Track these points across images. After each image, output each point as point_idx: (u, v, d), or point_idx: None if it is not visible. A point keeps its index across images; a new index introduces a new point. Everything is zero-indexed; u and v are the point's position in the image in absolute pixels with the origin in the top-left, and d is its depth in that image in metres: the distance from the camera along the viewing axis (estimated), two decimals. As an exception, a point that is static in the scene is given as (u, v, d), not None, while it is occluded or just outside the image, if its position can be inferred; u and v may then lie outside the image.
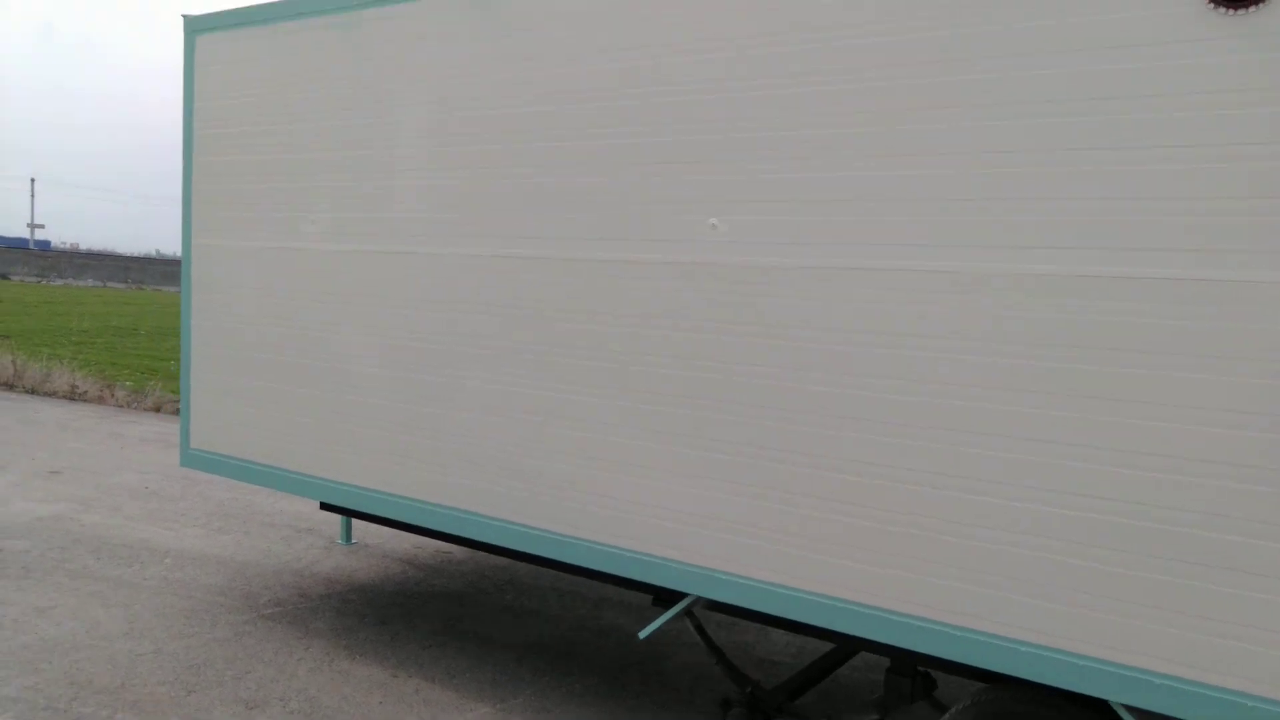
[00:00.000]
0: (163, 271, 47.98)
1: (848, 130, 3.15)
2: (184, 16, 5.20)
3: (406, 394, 4.31)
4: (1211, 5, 2.56)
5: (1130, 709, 2.80)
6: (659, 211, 3.56)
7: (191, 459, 5.31)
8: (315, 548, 6.58)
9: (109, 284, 46.10)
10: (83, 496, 7.54)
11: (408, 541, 6.77)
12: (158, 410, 12.46)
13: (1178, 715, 2.68)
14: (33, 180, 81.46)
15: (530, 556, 4.10)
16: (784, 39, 3.26)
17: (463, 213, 4.10)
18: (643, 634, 3.81)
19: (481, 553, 5.16)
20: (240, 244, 5.00)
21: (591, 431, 3.74)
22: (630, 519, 3.66)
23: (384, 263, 4.37)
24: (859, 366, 3.14)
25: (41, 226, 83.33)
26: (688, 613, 3.83)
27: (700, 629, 3.99)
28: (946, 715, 3.24)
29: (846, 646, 3.83)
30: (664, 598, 3.95)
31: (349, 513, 4.98)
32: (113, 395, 12.76)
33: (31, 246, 71.22)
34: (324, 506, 5.20)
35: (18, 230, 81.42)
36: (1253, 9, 2.52)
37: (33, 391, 13.03)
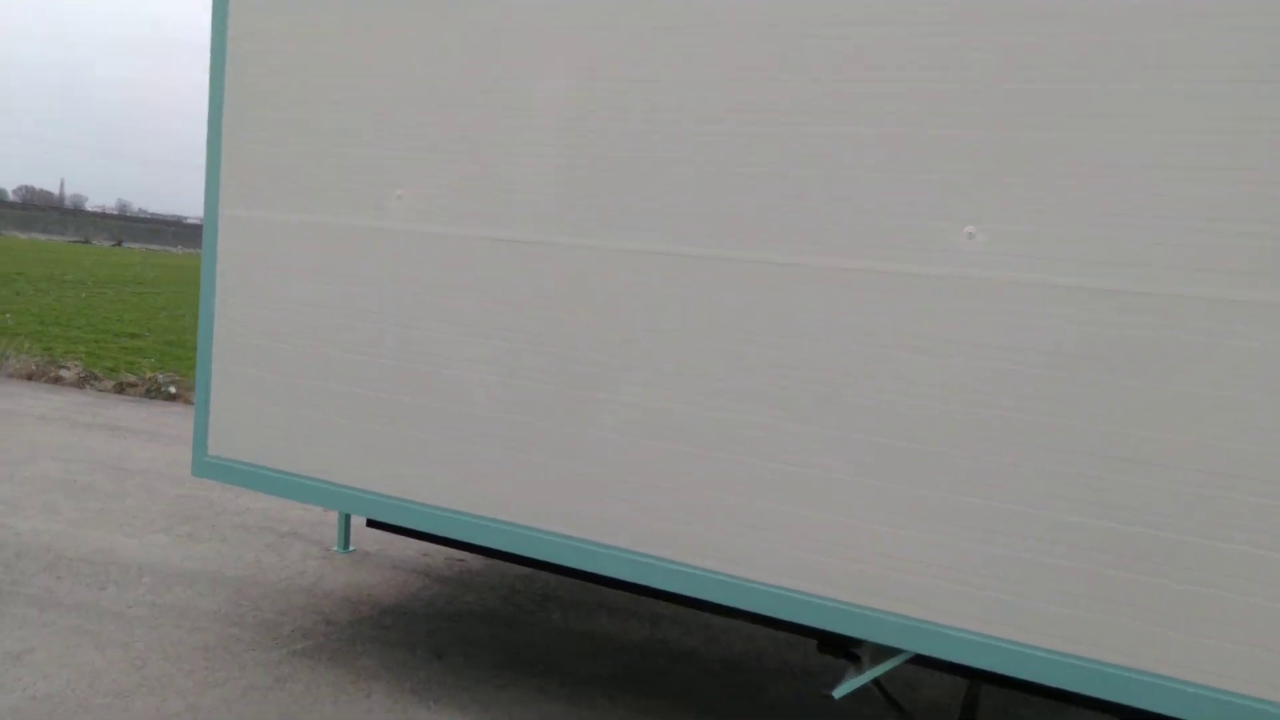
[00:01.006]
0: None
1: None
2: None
3: (530, 407, 3.67)
4: None
5: None
6: (899, 213, 3.07)
7: (208, 468, 4.45)
8: (311, 557, 5.77)
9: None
10: (1, 495, 6.38)
11: (410, 548, 6.06)
12: (29, 379, 10.94)
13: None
14: None
15: (685, 599, 3.60)
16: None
17: (623, 199, 3.47)
18: (839, 693, 3.38)
19: (499, 561, 4.52)
20: (289, 218, 4.15)
21: (793, 464, 3.24)
22: (836, 563, 3.21)
23: (505, 252, 3.68)
24: (1181, 405, 2.78)
25: None
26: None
27: (879, 683, 3.60)
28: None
29: None
30: (834, 643, 3.55)
31: (428, 538, 4.26)
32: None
33: None
34: (375, 524, 4.48)
35: None
36: None
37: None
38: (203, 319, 4.39)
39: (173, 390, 10.78)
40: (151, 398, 10.63)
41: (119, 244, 57.62)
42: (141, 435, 8.56)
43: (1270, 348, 2.68)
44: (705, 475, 3.39)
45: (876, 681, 3.68)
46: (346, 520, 5.91)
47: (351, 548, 5.95)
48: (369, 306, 3.98)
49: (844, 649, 3.58)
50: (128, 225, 73.34)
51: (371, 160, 3.95)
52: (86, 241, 55.83)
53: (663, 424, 3.45)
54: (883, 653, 3.39)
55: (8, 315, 15.52)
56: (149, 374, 11.43)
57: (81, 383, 10.95)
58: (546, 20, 3.58)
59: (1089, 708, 3.13)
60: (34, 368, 11.23)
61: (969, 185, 2.98)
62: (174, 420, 9.33)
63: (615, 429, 3.52)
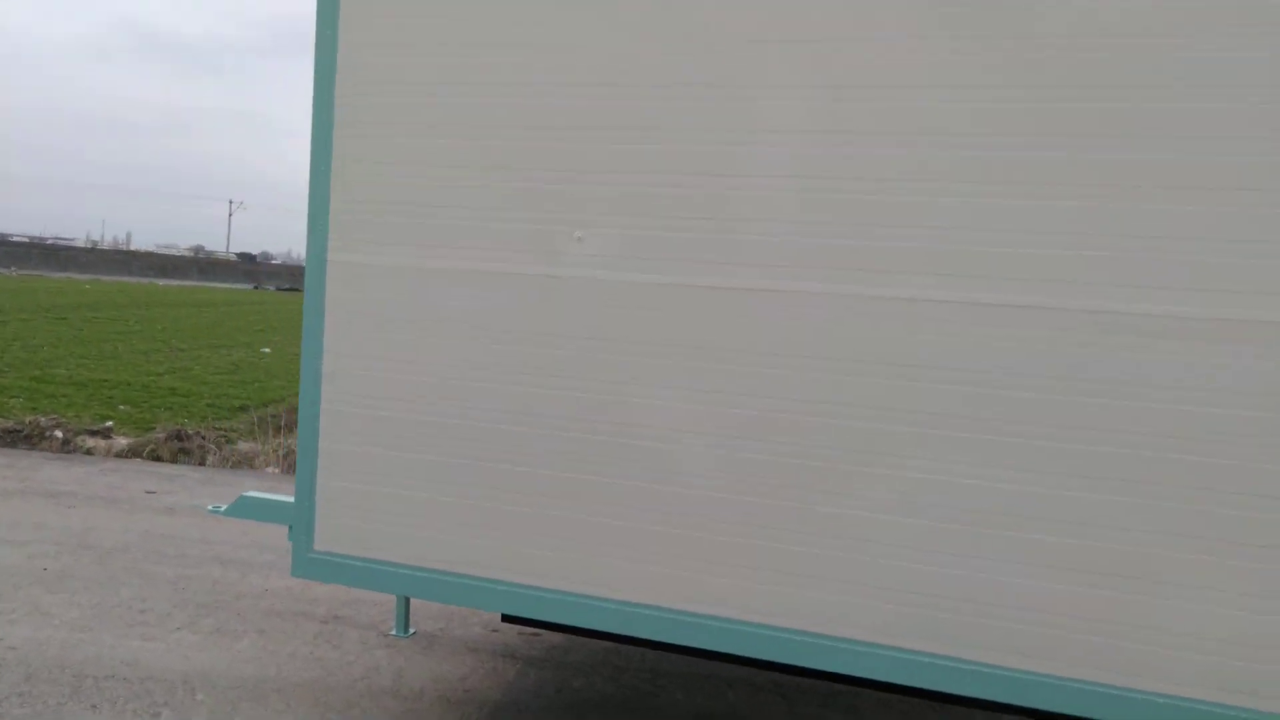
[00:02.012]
0: None
1: None
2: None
3: (768, 486, 3.11)
4: None
5: None
6: None
7: (314, 566, 3.67)
8: (374, 646, 4.97)
9: None
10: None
11: (474, 623, 5.34)
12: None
13: None
14: None
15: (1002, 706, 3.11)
16: None
17: (908, 240, 2.96)
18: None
19: (582, 637, 3.91)
20: (425, 264, 3.45)
21: (1126, 544, 2.81)
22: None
23: (734, 303, 3.11)
24: None
25: None
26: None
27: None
28: None
29: None
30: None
31: (608, 637, 3.59)
32: None
33: None
34: (514, 620, 3.80)
35: None
36: None
37: None
38: (305, 387, 3.62)
39: (59, 435, 9.49)
40: (68, 451, 9.34)
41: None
42: (94, 502, 7.42)
43: None
44: (1013, 561, 2.91)
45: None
46: (406, 602, 5.14)
47: (412, 630, 5.19)
48: (535, 368, 3.34)
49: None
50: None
51: (540, 194, 3.30)
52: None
53: (980, 506, 2.95)
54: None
55: None
56: (28, 417, 10.04)
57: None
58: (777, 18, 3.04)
59: None
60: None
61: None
62: (120, 480, 8.18)
63: (897, 513, 3.00)
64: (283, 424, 10.58)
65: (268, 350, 19.09)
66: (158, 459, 9.27)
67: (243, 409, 11.72)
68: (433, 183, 3.42)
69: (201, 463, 9.27)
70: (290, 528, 4.49)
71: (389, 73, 3.44)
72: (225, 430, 10.35)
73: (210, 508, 5.22)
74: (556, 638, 5.28)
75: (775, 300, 3.07)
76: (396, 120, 3.44)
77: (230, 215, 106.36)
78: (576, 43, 3.23)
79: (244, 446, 9.61)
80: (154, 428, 10.12)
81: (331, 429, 3.60)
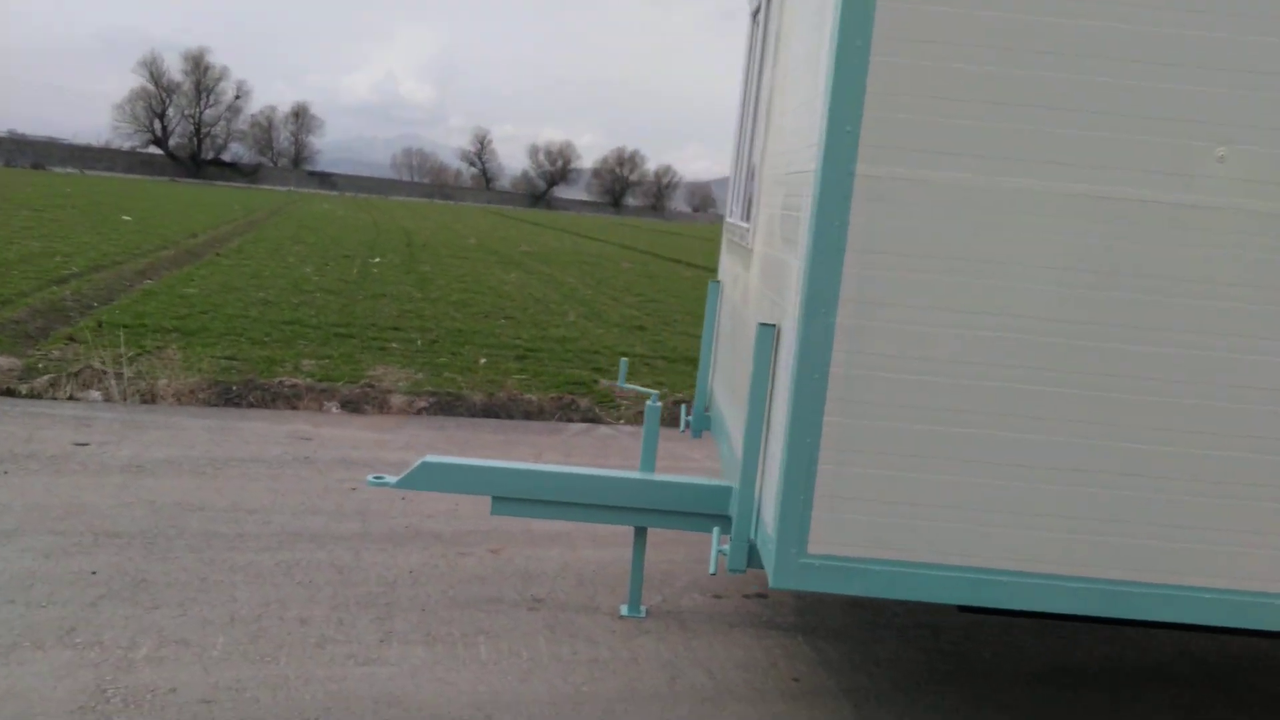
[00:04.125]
0: None
1: None
2: None
3: None
4: None
5: None
6: None
7: (806, 574, 2.85)
8: (628, 634, 4.12)
9: None
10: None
11: (689, 594, 4.62)
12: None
13: None
14: None
15: None
16: None
17: None
18: None
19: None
20: (997, 183, 2.65)
21: None
22: None
23: None
24: None
25: None
26: None
27: None
28: None
29: None
30: None
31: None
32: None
33: None
34: (977, 610, 3.22)
35: None
36: None
37: None
38: (804, 344, 2.73)
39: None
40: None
41: None
42: (20, 464, 5.55)
43: None
44: None
45: None
46: (639, 579, 4.30)
47: (643, 609, 4.37)
48: (1151, 323, 2.72)
49: None
50: None
51: (1167, 99, 2.62)
52: None
53: None
54: None
55: None
56: None
57: None
58: None
59: None
60: None
61: None
62: (6, 428, 6.22)
63: None
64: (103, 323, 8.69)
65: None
66: None
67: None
68: (1014, 82, 2.60)
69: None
70: (726, 521, 3.70)
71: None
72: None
73: (372, 479, 4.06)
74: (791, 602, 4.69)
75: None
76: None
77: None
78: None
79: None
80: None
81: (844, 399, 2.75)
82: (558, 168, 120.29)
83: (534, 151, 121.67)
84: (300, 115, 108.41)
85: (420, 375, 8.59)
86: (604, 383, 8.93)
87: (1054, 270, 2.70)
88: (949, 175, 2.66)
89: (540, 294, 16.00)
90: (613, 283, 19.52)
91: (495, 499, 4.06)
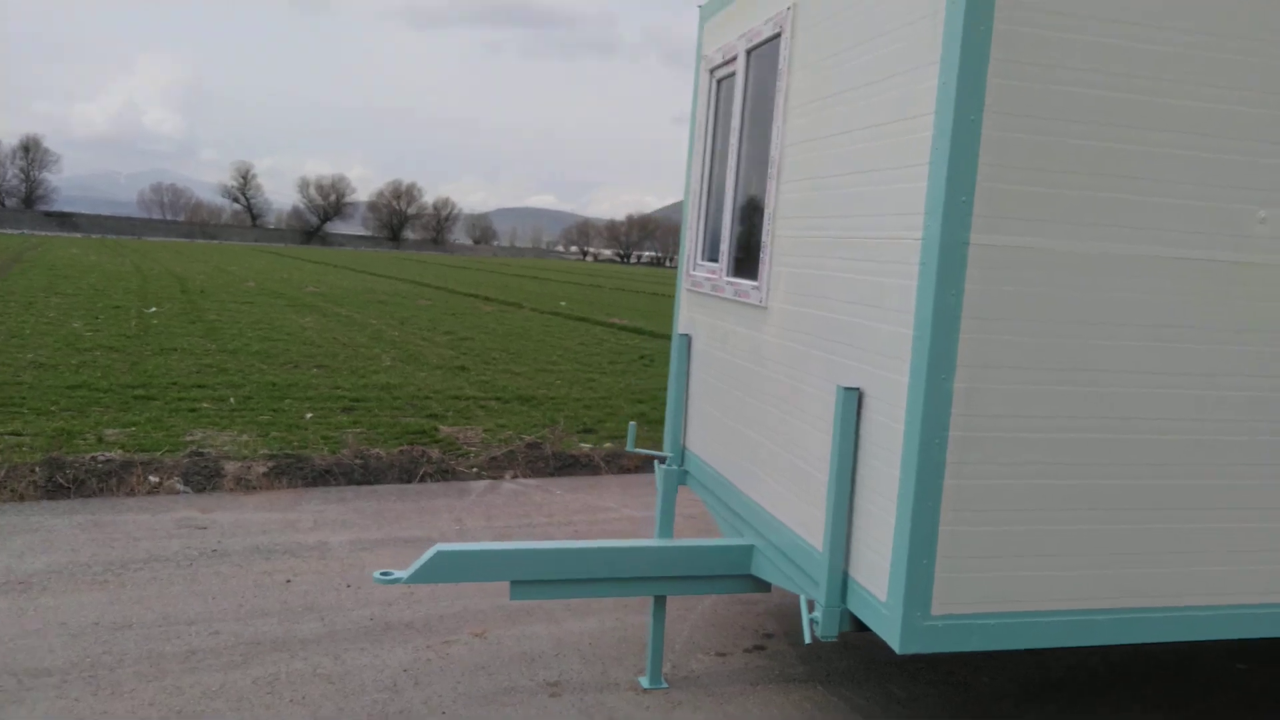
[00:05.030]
0: None
1: None
2: None
3: None
4: None
5: None
6: None
7: (939, 636, 2.86)
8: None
9: None
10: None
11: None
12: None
13: None
14: None
15: None
16: None
17: None
18: None
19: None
20: (1095, 249, 2.80)
21: None
22: None
23: None
24: None
25: None
26: None
27: None
28: None
29: None
30: None
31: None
32: None
33: None
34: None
35: None
36: None
37: None
38: (929, 411, 2.75)
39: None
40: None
41: None
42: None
43: None
44: None
45: None
46: (659, 649, 4.17)
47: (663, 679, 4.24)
48: (1225, 370, 2.96)
49: None
50: None
51: (1226, 169, 2.88)
52: None
53: None
54: None
55: None
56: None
57: None
58: None
59: None
60: None
61: None
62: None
63: None
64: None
65: None
66: None
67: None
68: (1106, 146, 2.78)
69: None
70: (749, 581, 3.62)
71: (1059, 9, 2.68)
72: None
73: (379, 575, 3.73)
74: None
75: None
76: (1065, 65, 2.70)
77: None
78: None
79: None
80: None
81: (961, 462, 2.80)
82: (331, 202, 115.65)
83: (304, 185, 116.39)
84: (31, 149, 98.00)
85: (245, 437, 7.94)
86: (444, 429, 8.71)
87: (1139, 327, 2.89)
88: (1051, 242, 2.79)
89: (346, 338, 15.26)
90: (416, 321, 18.96)
91: (514, 583, 3.82)
